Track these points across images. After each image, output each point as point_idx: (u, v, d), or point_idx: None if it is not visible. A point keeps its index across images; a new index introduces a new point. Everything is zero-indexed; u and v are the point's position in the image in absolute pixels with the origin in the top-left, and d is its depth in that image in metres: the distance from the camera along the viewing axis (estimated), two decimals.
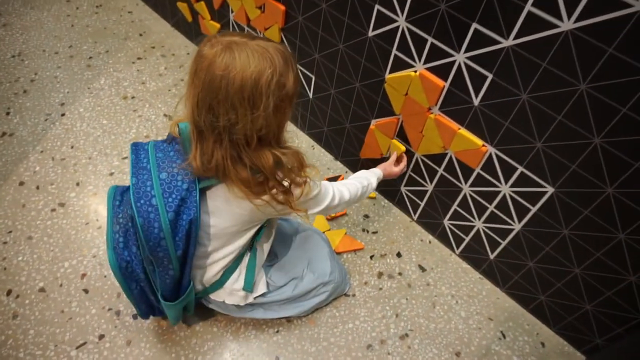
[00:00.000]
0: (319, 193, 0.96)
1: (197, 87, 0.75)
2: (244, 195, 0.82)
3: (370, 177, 1.18)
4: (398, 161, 1.32)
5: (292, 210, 0.89)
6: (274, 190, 0.84)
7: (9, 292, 1.21)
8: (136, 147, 0.88)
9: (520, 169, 1.09)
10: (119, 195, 0.94)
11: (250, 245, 1.04)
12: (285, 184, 0.86)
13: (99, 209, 1.42)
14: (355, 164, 1.57)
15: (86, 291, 1.24)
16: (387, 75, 1.23)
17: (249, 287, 1.04)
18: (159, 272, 0.89)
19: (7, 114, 1.61)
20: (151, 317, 1.17)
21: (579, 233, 1.08)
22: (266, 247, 1.07)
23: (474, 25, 0.97)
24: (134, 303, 1.01)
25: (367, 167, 1.52)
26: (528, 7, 0.87)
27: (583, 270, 1.13)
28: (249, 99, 0.74)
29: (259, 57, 0.73)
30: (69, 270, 1.28)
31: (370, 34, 1.20)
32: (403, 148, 1.33)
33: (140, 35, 2.01)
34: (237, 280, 1.04)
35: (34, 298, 1.21)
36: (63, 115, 1.65)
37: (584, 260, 1.11)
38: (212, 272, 0.99)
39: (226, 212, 0.89)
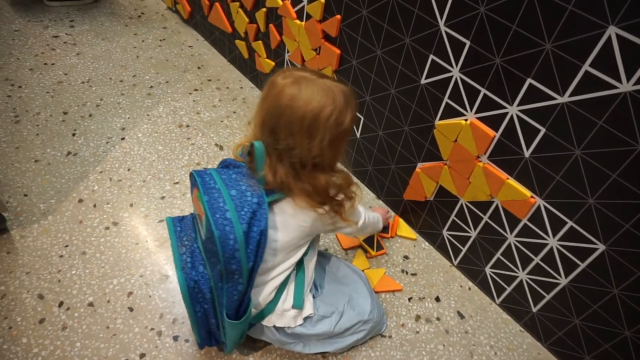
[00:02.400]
0: (356, 210, 1.08)
1: (264, 110, 0.85)
2: (307, 205, 0.90)
3: (378, 218, 1.30)
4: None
5: (344, 220, 0.98)
6: (332, 202, 0.93)
7: (60, 304, 1.28)
8: (199, 172, 0.94)
9: (570, 223, 1.08)
10: (177, 223, 0.99)
11: (297, 265, 1.07)
12: (339, 198, 0.95)
13: (149, 230, 1.48)
14: (398, 204, 1.59)
15: (131, 309, 1.29)
16: (437, 122, 1.26)
17: (299, 302, 1.06)
18: (227, 287, 0.92)
19: (74, 134, 1.73)
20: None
21: (630, 294, 1.05)
22: (311, 265, 1.11)
23: (529, 80, 0.99)
24: (194, 327, 1.03)
25: (411, 209, 1.55)
26: (585, 67, 0.89)
27: (633, 334, 1.09)
28: (307, 130, 0.82)
29: (323, 94, 0.82)
30: (117, 288, 1.33)
31: (423, 81, 1.24)
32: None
33: (199, 68, 2.14)
34: (286, 299, 1.06)
35: (82, 312, 1.27)
36: (123, 139, 1.75)
37: (635, 322, 1.07)
38: (267, 290, 1.02)
39: (291, 225, 0.95)
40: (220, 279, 0.92)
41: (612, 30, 0.83)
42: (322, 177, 0.89)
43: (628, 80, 0.84)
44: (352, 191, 0.97)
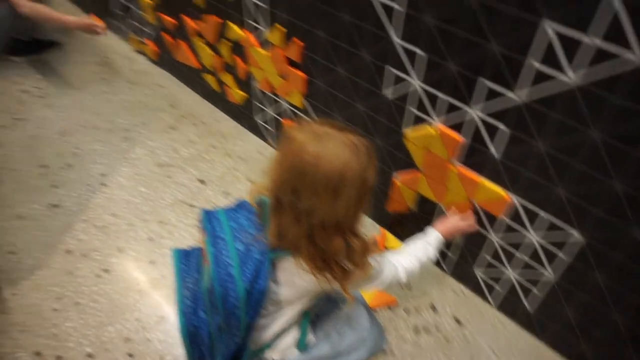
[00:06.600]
0: (374, 272, 0.98)
1: (285, 168, 0.80)
2: (309, 269, 0.87)
3: (429, 250, 1.15)
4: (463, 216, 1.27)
5: (344, 293, 0.92)
6: (335, 270, 0.88)
7: (58, 358, 1.27)
8: (209, 216, 0.94)
9: (545, 215, 1.13)
10: (183, 259, 0.99)
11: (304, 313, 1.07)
12: (346, 266, 0.89)
13: (141, 273, 1.49)
14: (382, 217, 1.62)
15: (131, 355, 1.28)
16: (407, 132, 1.30)
17: (302, 347, 1.07)
18: (225, 338, 0.93)
19: (54, 186, 1.73)
20: None
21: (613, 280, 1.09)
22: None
23: (487, 83, 1.05)
24: None
25: (396, 220, 1.58)
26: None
27: (620, 313, 1.13)
28: (333, 189, 0.78)
29: (348, 151, 0.77)
30: (113, 335, 1.33)
31: (385, 92, 1.29)
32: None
33: (172, 106, 2.16)
34: (287, 338, 1.06)
35: None
36: (104, 185, 1.76)
37: (619, 303, 1.11)
38: (268, 334, 1.02)
39: (295, 283, 0.93)
40: (218, 329, 0.93)
41: None
42: (340, 240, 0.84)
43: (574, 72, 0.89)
44: (364, 261, 0.90)
